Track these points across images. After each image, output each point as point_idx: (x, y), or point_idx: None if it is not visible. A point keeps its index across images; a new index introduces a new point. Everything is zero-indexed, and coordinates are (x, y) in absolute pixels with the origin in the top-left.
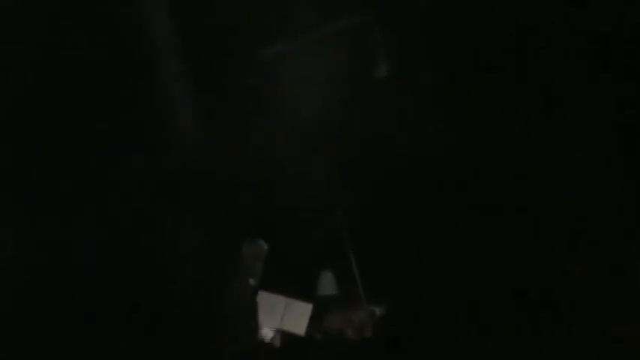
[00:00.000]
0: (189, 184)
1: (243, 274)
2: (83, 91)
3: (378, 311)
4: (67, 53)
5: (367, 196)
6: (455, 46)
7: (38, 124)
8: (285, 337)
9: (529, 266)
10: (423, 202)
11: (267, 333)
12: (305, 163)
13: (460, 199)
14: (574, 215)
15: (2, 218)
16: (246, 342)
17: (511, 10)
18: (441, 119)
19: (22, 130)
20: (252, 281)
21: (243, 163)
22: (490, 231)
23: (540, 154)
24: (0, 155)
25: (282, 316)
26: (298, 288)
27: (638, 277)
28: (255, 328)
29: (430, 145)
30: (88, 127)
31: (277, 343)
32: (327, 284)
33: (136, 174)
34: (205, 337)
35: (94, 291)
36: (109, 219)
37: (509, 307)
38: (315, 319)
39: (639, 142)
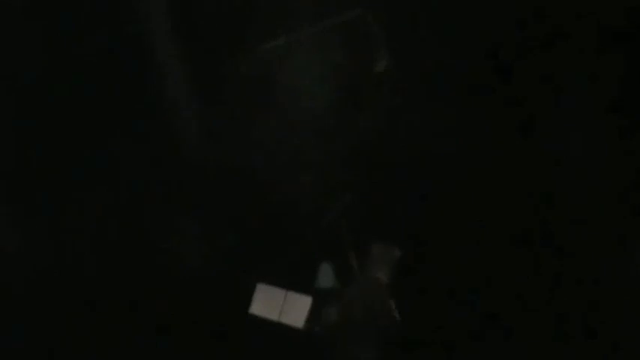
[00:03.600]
0: (189, 184)
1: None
2: (83, 90)
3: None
4: (67, 53)
5: (367, 196)
6: (457, 42)
7: (38, 123)
8: None
9: (531, 265)
10: (422, 202)
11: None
12: (305, 161)
13: (461, 198)
14: (576, 214)
15: (2, 218)
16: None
17: (514, 5)
18: (441, 119)
19: (22, 130)
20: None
21: (243, 162)
22: (491, 230)
23: (544, 152)
24: (0, 155)
25: (280, 308)
26: (298, 280)
27: (638, 277)
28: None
29: (430, 145)
30: (88, 126)
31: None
32: (326, 276)
33: (135, 173)
34: (206, 336)
35: (94, 291)
36: (109, 219)
37: (509, 306)
38: (314, 312)
39: None
